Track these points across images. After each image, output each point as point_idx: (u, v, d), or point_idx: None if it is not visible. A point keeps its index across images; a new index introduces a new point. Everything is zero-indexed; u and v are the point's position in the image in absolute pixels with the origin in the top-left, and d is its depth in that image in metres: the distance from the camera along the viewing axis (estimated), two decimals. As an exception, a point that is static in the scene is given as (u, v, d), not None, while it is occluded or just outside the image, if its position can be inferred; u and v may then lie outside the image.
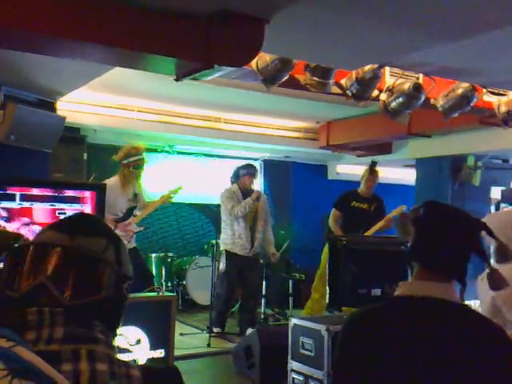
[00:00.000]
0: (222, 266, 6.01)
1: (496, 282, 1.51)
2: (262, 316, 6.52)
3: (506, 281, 1.52)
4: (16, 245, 1.05)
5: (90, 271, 0.97)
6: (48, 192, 3.26)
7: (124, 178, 5.23)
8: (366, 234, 5.77)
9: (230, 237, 5.95)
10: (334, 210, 6.13)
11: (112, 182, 5.20)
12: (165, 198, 5.54)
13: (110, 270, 1.00)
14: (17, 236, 1.38)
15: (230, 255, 5.93)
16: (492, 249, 2.53)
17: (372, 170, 6.13)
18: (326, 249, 6.04)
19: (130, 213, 5.29)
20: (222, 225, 6.09)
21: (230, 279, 5.93)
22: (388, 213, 6.05)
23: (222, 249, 6.08)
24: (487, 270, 1.59)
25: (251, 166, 6.21)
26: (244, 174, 6.03)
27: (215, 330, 5.86)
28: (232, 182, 6.14)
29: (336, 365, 1.53)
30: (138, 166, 5.26)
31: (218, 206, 6.00)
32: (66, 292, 0.94)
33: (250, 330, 5.77)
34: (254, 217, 6.03)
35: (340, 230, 5.96)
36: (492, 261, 2.62)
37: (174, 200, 5.82)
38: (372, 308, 1.54)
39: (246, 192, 6.01)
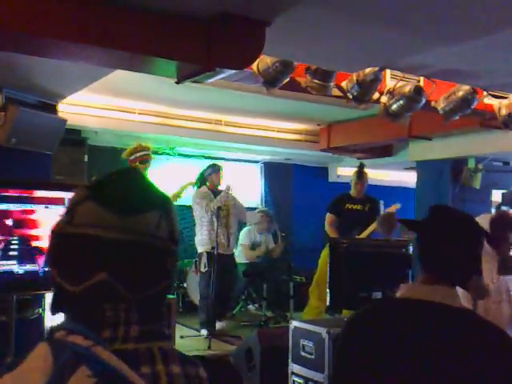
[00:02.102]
0: (204, 267, 6.03)
1: (479, 290, 1.51)
2: (263, 318, 6.52)
3: (488, 291, 1.52)
4: (57, 230, 0.90)
5: (148, 260, 0.89)
6: (46, 195, 3.26)
7: None
8: (362, 235, 5.77)
9: (208, 237, 5.99)
10: (328, 214, 6.15)
11: None
12: (176, 194, 5.68)
13: (167, 253, 0.92)
14: None
15: (211, 255, 5.94)
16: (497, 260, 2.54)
17: (360, 173, 6.14)
18: (323, 253, 6.07)
19: None
20: (197, 227, 6.18)
21: (218, 280, 5.92)
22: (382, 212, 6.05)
23: (201, 251, 6.10)
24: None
25: (214, 164, 6.39)
26: (210, 173, 6.21)
27: (205, 332, 5.84)
28: (198, 187, 6.25)
29: (335, 364, 1.54)
30: (145, 160, 5.47)
31: (219, 208, 6.00)
32: (128, 286, 0.87)
33: (218, 324, 5.95)
34: (227, 215, 6.16)
35: (337, 232, 5.96)
36: (494, 271, 2.65)
37: (174, 202, 5.85)
38: (370, 309, 1.54)
39: (216, 192, 6.17)
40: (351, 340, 1.50)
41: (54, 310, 0.89)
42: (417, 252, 1.57)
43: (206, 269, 5.97)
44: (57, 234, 0.90)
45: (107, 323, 0.85)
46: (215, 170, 6.24)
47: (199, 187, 6.24)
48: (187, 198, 6.53)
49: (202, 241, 6.12)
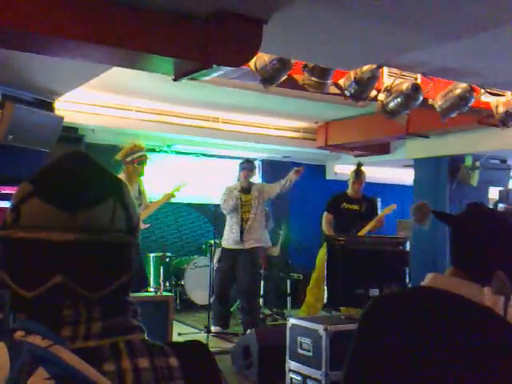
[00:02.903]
0: (216, 262, 6.05)
1: (500, 285, 1.50)
2: (260, 316, 6.52)
3: (510, 287, 1.50)
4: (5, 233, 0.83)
5: (105, 257, 0.84)
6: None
7: (128, 175, 5.30)
8: (359, 235, 5.77)
9: (226, 231, 6.01)
10: (325, 213, 6.13)
11: None
12: (168, 195, 5.63)
13: (124, 245, 0.86)
14: None
15: (223, 250, 5.96)
16: None
17: (358, 172, 6.11)
18: (321, 251, 6.08)
19: None
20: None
21: (222, 276, 5.92)
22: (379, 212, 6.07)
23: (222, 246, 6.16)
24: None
25: (247, 161, 6.26)
26: (240, 169, 6.13)
27: (213, 328, 5.86)
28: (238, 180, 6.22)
29: (352, 348, 1.53)
30: (142, 161, 5.38)
31: (216, 205, 6.01)
32: (86, 285, 0.82)
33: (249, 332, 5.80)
34: (247, 210, 6.05)
35: (334, 232, 5.97)
36: None
37: (172, 200, 5.86)
38: (392, 295, 1.55)
39: (247, 188, 6.06)
40: (371, 324, 1.50)
41: (13, 312, 0.85)
42: (449, 246, 1.54)
43: (217, 264, 5.97)
44: (4, 238, 0.83)
45: (66, 322, 0.81)
46: (243, 167, 6.09)
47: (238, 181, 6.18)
48: (185, 195, 6.52)
49: (223, 235, 6.13)
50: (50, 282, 0.81)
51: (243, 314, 6.02)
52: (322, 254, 6.04)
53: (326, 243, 5.99)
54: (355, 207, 6.06)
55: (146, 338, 0.88)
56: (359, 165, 6.20)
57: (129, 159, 5.32)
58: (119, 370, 0.81)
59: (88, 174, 0.87)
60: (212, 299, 5.98)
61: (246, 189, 6.07)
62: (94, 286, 0.83)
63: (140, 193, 5.44)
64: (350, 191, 6.14)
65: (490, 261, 1.49)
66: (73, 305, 0.82)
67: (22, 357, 0.71)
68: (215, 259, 6.13)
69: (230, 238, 5.97)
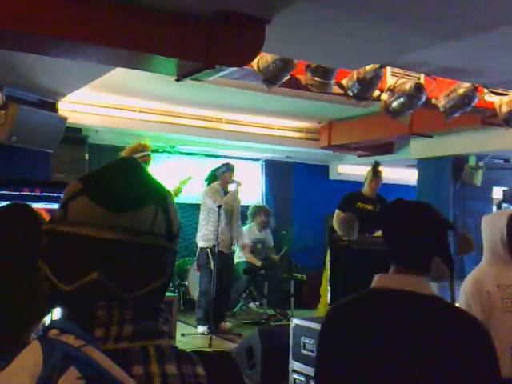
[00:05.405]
0: (210, 263, 6.01)
1: (439, 272, 1.53)
2: (264, 316, 6.52)
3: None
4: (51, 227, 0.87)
5: (142, 259, 0.86)
6: (46, 193, 3.26)
7: None
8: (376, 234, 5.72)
9: (213, 233, 6.01)
10: (337, 211, 6.04)
11: None
12: (176, 189, 5.66)
13: (162, 250, 0.88)
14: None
15: (214, 252, 5.97)
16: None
17: (375, 171, 6.07)
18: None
19: None
20: (202, 222, 6.22)
21: (217, 276, 5.95)
22: None
23: (203, 246, 6.12)
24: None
25: (228, 163, 6.44)
26: (224, 171, 6.27)
27: (201, 329, 5.86)
28: (209, 183, 6.30)
29: (317, 356, 1.60)
30: (145, 161, 5.37)
31: (220, 206, 6.00)
32: (122, 284, 0.84)
33: (223, 324, 6.03)
34: (231, 215, 6.21)
35: None
36: (503, 277, 2.59)
37: (175, 200, 5.87)
38: (347, 300, 1.62)
39: (226, 190, 6.26)
40: (331, 332, 1.59)
41: (49, 305, 0.89)
42: (387, 246, 1.62)
43: (212, 265, 5.99)
44: (49, 231, 0.87)
45: (100, 322, 0.83)
46: (229, 168, 6.32)
47: (210, 183, 6.28)
48: (188, 195, 6.53)
49: (205, 236, 6.13)
50: (86, 277, 0.83)
51: (218, 309, 6.04)
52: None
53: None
54: (370, 207, 5.97)
55: (175, 345, 0.89)
56: (377, 163, 6.13)
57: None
58: (147, 373, 0.81)
59: (135, 179, 0.91)
60: (205, 299, 6.00)
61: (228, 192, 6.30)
62: (128, 286, 0.85)
63: None
64: (366, 190, 6.05)
65: (425, 250, 1.54)
66: (106, 305, 0.84)
67: (55, 355, 0.73)
68: (209, 260, 6.17)
69: (220, 240, 6.08)
